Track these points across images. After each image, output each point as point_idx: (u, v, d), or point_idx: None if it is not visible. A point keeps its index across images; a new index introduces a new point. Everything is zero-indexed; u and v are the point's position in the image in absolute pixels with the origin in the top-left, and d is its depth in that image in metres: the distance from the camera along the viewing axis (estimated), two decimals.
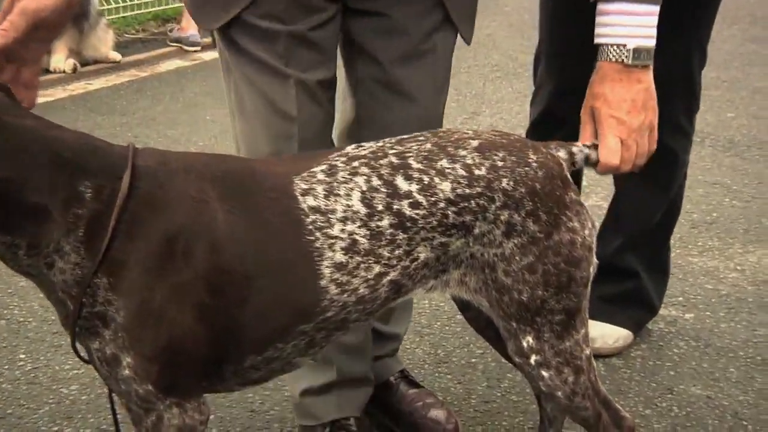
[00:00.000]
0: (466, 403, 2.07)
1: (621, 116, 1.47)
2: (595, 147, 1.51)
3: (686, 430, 1.96)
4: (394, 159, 1.37)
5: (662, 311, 2.48)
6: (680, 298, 2.58)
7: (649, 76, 1.51)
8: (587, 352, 1.52)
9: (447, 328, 2.39)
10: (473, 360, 2.24)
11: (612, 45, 1.48)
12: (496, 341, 1.72)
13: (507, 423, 1.99)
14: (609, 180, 3.46)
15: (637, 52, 1.48)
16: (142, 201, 1.21)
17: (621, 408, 1.59)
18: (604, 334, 2.28)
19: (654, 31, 1.49)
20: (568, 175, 1.45)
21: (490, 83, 4.93)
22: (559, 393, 1.49)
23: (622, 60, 1.48)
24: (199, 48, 5.54)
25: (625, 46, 1.47)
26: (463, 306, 1.69)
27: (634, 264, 2.32)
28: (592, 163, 1.51)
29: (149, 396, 1.26)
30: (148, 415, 1.29)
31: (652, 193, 2.28)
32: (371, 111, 1.70)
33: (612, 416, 1.58)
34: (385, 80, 1.66)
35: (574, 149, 1.48)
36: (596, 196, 3.34)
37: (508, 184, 1.38)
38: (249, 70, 1.61)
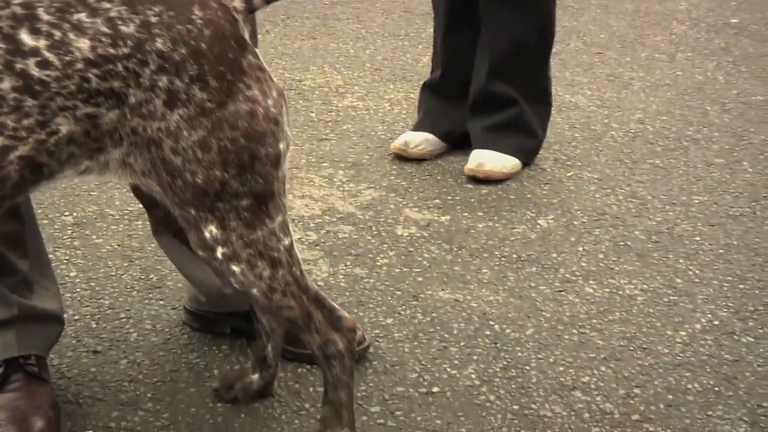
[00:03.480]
0: (179, 329, 2.06)
1: None
2: None
3: (429, 336, 2.06)
4: (18, 9, 1.32)
5: (416, 214, 2.59)
6: (436, 200, 2.68)
7: None
8: (286, 242, 1.53)
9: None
10: None
11: None
12: None
13: (227, 347, 2.01)
14: (370, 77, 3.56)
15: None
16: None
17: (338, 307, 1.64)
18: (493, 160, 2.78)
19: None
20: (246, 36, 1.45)
21: None
22: (254, 290, 1.51)
23: None
24: None
25: None
26: (150, 202, 1.67)
27: (509, 92, 2.83)
28: None
29: None
30: None
31: (517, 17, 2.76)
32: None
33: (327, 316, 1.62)
34: None
35: None
36: (352, 95, 3.40)
37: (164, 44, 1.36)
38: None
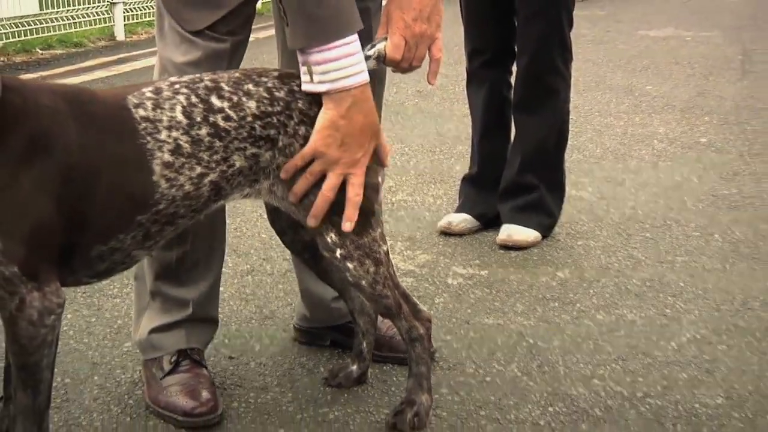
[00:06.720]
0: (291, 343, 2.45)
1: (408, 20, 1.87)
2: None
3: (480, 345, 2.45)
4: (208, 83, 1.77)
5: (461, 270, 2.99)
6: (476, 261, 3.09)
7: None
8: (384, 248, 1.95)
9: (271, 293, 2.78)
10: None
11: None
12: (314, 264, 2.14)
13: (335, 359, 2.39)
14: (415, 180, 4.02)
15: None
16: (9, 109, 1.55)
17: (418, 302, 2.03)
18: (519, 232, 3.22)
19: None
20: None
21: None
22: (363, 282, 1.91)
23: None
24: None
25: None
26: (281, 229, 2.09)
27: (534, 181, 3.29)
28: (383, 57, 1.91)
29: (14, 279, 1.56)
30: (12, 298, 1.58)
31: (541, 123, 3.26)
32: None
33: (411, 308, 2.01)
34: None
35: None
36: (402, 192, 3.85)
37: (303, 104, 1.81)
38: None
